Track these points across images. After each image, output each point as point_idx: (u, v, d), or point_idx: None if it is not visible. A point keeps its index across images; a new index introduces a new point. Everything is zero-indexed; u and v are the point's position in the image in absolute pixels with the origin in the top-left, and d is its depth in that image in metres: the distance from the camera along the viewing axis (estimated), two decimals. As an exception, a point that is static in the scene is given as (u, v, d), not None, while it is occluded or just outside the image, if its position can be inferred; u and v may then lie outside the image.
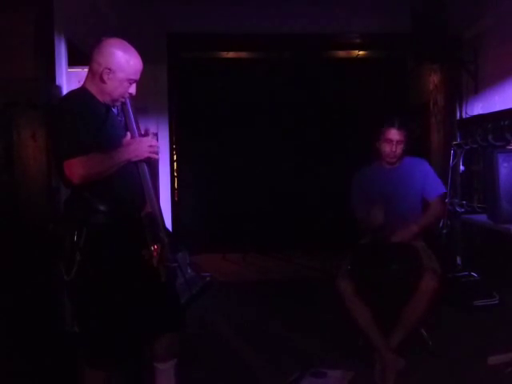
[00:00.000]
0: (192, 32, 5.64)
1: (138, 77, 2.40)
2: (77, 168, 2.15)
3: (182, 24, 5.56)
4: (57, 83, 3.52)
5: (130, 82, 2.36)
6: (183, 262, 5.22)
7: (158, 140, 5.27)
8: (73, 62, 3.81)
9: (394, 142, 3.48)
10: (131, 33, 4.13)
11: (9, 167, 3.12)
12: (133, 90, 2.39)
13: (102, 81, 2.32)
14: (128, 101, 2.39)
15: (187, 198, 6.89)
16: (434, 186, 3.59)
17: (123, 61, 2.32)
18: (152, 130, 5.52)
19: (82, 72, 3.44)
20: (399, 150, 3.50)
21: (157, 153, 2.39)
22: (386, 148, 3.51)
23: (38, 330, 3.10)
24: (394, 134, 3.48)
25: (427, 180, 3.57)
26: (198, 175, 7.30)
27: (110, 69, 2.30)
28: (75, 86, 3.17)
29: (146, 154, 2.33)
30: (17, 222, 3.11)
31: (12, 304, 3.07)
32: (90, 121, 2.23)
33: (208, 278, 5.57)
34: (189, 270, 5.50)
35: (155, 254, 2.30)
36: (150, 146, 2.34)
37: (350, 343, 3.50)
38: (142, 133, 2.46)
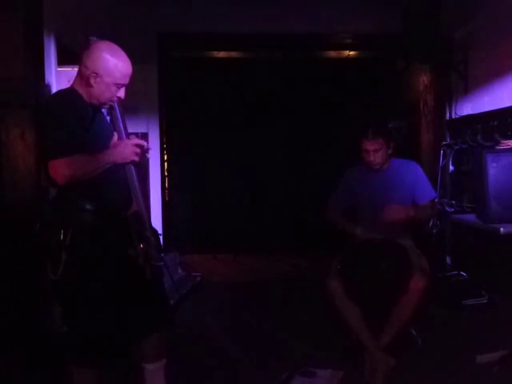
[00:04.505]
0: (182, 32, 5.64)
1: (126, 81, 2.38)
2: (61, 168, 2.14)
3: (172, 24, 5.55)
4: (46, 82, 3.51)
5: (118, 86, 2.35)
6: (173, 262, 5.22)
7: (148, 140, 5.27)
8: (62, 61, 3.79)
9: (371, 152, 3.45)
10: (121, 32, 4.13)
11: (-3, 167, 3.11)
12: (121, 93, 2.38)
13: (89, 85, 2.31)
14: (116, 105, 2.38)
15: (178, 198, 6.88)
16: (425, 192, 3.57)
17: (111, 65, 2.30)
18: (142, 130, 5.50)
19: (71, 71, 3.42)
20: (378, 158, 3.47)
21: (144, 154, 2.38)
22: (366, 158, 3.50)
23: (25, 330, 3.08)
24: (368, 144, 3.44)
25: (417, 185, 3.55)
26: (188, 175, 7.28)
27: (96, 73, 2.29)
28: (65, 85, 3.15)
29: (132, 157, 2.33)
30: (5, 222, 3.10)
31: None
32: (77, 121, 2.23)
33: (198, 278, 5.57)
34: (179, 270, 5.50)
35: (141, 252, 2.31)
36: (136, 147, 2.34)
37: (339, 343, 3.50)
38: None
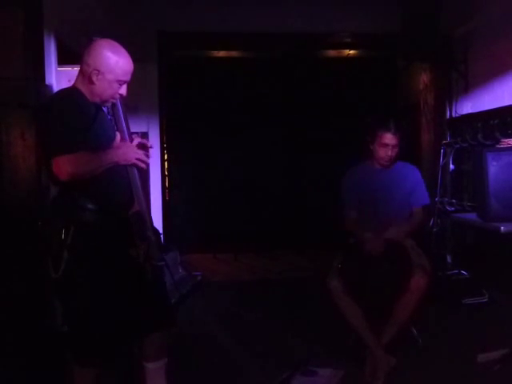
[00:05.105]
0: (182, 31, 5.63)
1: (128, 78, 2.38)
2: (64, 165, 2.15)
3: (173, 23, 5.54)
4: (46, 82, 3.51)
5: (120, 83, 2.35)
6: (174, 261, 5.21)
7: (148, 139, 5.26)
8: (63, 60, 3.80)
9: (390, 147, 3.41)
10: (121, 31, 4.11)
11: (-2, 166, 3.12)
12: (123, 91, 2.39)
13: (91, 82, 2.31)
14: (118, 102, 2.39)
15: (178, 198, 6.88)
16: (421, 197, 3.57)
17: (112, 62, 2.31)
18: (142, 129, 5.50)
19: (71, 71, 3.44)
20: (394, 153, 3.44)
21: (145, 161, 2.39)
22: (381, 152, 3.44)
23: (25, 330, 3.09)
24: (390, 138, 3.40)
25: (416, 189, 3.56)
26: (189, 175, 7.27)
27: (98, 70, 2.29)
28: (65, 85, 3.15)
29: (134, 160, 2.34)
30: (6, 221, 3.10)
31: (1, 303, 3.06)
32: (79, 119, 2.23)
33: (199, 277, 5.57)
34: (180, 270, 5.49)
35: (142, 252, 2.31)
36: (139, 149, 2.35)
37: (340, 342, 3.51)
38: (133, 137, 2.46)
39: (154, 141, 5.67)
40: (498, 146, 4.11)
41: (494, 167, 3.30)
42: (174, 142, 6.39)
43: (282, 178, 7.30)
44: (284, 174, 7.31)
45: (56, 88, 3.56)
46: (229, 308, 4.71)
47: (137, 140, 2.43)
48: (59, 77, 3.68)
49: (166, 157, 6.02)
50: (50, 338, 3.16)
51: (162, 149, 5.91)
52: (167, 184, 6.10)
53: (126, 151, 2.33)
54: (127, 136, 2.40)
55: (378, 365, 3.08)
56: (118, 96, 2.38)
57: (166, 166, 6.05)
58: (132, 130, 2.47)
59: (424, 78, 5.92)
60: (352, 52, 7.01)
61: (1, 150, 3.13)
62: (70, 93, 2.36)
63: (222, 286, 5.51)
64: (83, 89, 2.35)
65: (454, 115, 5.32)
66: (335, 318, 3.30)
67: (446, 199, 5.20)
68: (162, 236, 2.51)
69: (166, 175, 6.03)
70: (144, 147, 2.42)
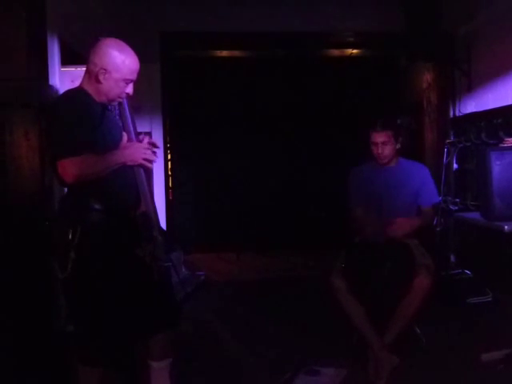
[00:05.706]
0: (185, 31, 5.64)
1: (134, 77, 2.39)
2: (70, 168, 2.15)
3: (175, 23, 5.55)
4: (50, 83, 3.51)
5: (126, 81, 2.36)
6: (177, 260, 5.22)
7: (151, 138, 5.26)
8: (66, 61, 3.80)
9: (379, 144, 3.46)
10: (124, 32, 4.11)
11: (1, 167, 3.12)
12: (130, 89, 2.40)
13: (98, 81, 2.32)
14: (125, 101, 2.40)
15: (181, 197, 6.88)
16: (429, 195, 3.58)
17: (119, 61, 2.32)
18: (146, 129, 5.50)
19: (75, 71, 3.45)
20: (386, 151, 3.48)
21: (151, 161, 2.40)
22: (374, 150, 3.51)
23: (31, 329, 3.09)
24: (377, 136, 3.46)
25: (424, 187, 3.56)
26: (192, 174, 7.28)
27: (105, 69, 2.30)
28: (68, 85, 3.17)
29: (141, 161, 2.35)
30: (10, 221, 3.11)
31: (5, 303, 3.06)
32: (86, 120, 2.23)
33: (202, 277, 5.58)
34: (183, 269, 5.50)
35: (148, 252, 2.31)
36: (145, 154, 2.36)
37: (343, 341, 3.50)
38: (140, 137, 2.47)
39: (158, 141, 5.56)
40: (502, 145, 4.10)
41: (497, 166, 3.30)
42: (177, 141, 6.40)
43: (284, 178, 7.29)
44: (286, 173, 7.30)
45: (59, 88, 3.57)
46: (231, 307, 4.71)
47: (146, 140, 2.44)
48: (63, 77, 3.68)
49: (169, 156, 6.03)
50: (54, 337, 3.17)
51: (166, 148, 5.92)
52: (170, 184, 6.10)
53: (133, 152, 2.34)
54: (134, 136, 2.41)
55: (381, 364, 3.07)
56: (124, 95, 2.39)
57: (170, 166, 6.06)
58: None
59: (427, 78, 5.91)
60: (355, 51, 7.00)
61: (5, 150, 3.13)
62: (76, 94, 2.36)
63: (224, 285, 5.52)
64: (90, 89, 2.36)
65: (457, 114, 5.31)
66: (338, 318, 3.30)
67: (450, 198, 5.20)
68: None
69: (169, 175, 6.04)
70: (153, 146, 2.43)
